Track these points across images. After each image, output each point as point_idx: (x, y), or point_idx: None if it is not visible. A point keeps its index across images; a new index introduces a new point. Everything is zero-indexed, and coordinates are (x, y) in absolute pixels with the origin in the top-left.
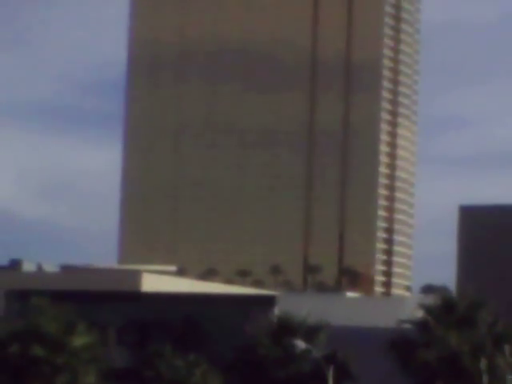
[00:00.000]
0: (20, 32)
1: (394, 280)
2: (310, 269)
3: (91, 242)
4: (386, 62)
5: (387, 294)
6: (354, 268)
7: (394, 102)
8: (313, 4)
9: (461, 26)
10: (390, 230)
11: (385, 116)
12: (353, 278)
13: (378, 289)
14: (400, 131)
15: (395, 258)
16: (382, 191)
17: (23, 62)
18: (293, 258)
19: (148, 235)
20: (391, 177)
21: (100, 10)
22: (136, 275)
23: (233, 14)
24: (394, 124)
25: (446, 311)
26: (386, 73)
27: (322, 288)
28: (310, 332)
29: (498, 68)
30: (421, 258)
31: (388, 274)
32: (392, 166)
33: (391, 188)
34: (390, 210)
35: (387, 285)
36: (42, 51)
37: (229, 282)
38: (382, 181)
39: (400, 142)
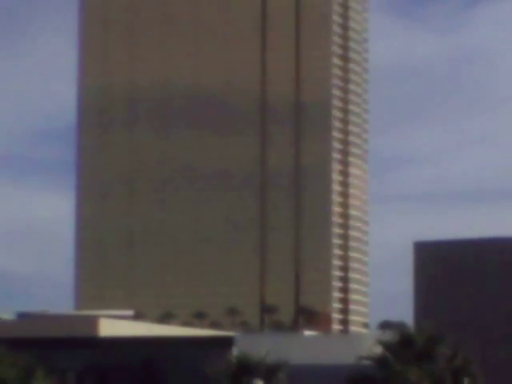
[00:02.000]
0: None
1: (352, 317)
2: (266, 309)
3: (47, 289)
4: (336, 102)
5: (345, 331)
6: (311, 307)
7: (345, 142)
8: (260, 48)
9: (408, 64)
10: (345, 268)
11: (336, 155)
12: (310, 316)
13: (336, 327)
14: (352, 170)
15: (352, 296)
16: (336, 230)
17: None
18: (249, 298)
19: (104, 280)
20: (345, 215)
21: (48, 58)
22: (93, 320)
23: (182, 60)
24: (345, 163)
25: (404, 346)
26: (336, 113)
27: (279, 328)
28: (269, 371)
29: (447, 106)
30: (377, 295)
31: (345, 311)
32: (345, 205)
33: (345, 227)
34: (345, 248)
35: (344, 322)
36: None
37: (186, 324)
38: (336, 220)
39: (352, 180)
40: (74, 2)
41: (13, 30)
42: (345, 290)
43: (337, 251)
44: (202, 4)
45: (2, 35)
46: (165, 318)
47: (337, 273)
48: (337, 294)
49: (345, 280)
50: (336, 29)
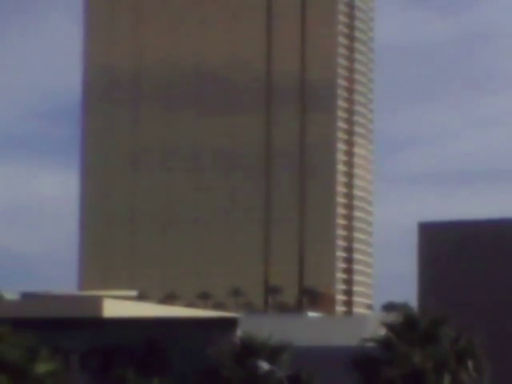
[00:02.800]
0: None
1: (355, 299)
2: (270, 290)
3: (51, 269)
4: (341, 82)
5: (349, 313)
6: (315, 288)
7: (350, 121)
8: (266, 26)
9: (414, 44)
10: (349, 249)
11: (341, 135)
12: (314, 297)
13: (340, 308)
14: (357, 150)
15: (355, 277)
16: (341, 210)
17: None
18: (253, 279)
19: (107, 261)
20: (349, 196)
21: (53, 37)
22: (97, 301)
23: (187, 39)
24: (350, 143)
25: (408, 328)
26: (341, 92)
27: (283, 309)
28: (273, 353)
29: (453, 86)
30: (381, 276)
31: (349, 292)
32: (350, 185)
33: (349, 207)
34: (349, 228)
35: (348, 304)
36: None
37: (190, 305)
38: (340, 200)
39: (357, 160)
40: None
41: (17, 8)
42: (349, 271)
43: (341, 232)
44: None
45: (6, 14)
46: (168, 298)
47: (341, 254)
48: (341, 275)
49: (349, 261)
50: (342, 8)
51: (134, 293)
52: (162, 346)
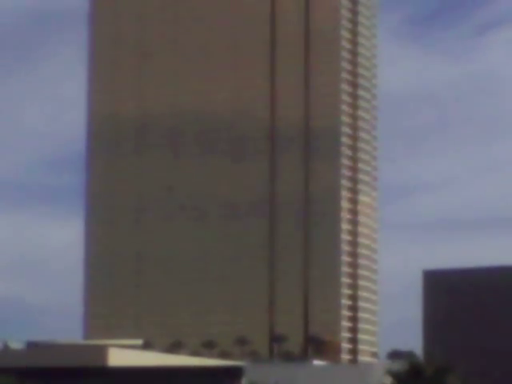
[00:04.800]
0: None
1: (361, 347)
2: (275, 338)
3: (56, 318)
4: (345, 129)
5: (354, 361)
6: (320, 336)
7: (354, 169)
8: (269, 74)
9: (417, 90)
10: (354, 297)
11: (345, 183)
12: (319, 346)
13: (345, 356)
14: (361, 198)
15: (361, 325)
16: (346, 258)
17: None
18: (258, 328)
19: (112, 309)
20: (354, 244)
21: (57, 85)
22: (102, 350)
23: (191, 87)
24: (354, 191)
25: (413, 376)
26: (345, 140)
27: (288, 357)
28: None
29: (457, 133)
30: (387, 324)
31: (354, 341)
32: (354, 233)
33: (354, 255)
34: (354, 276)
35: (354, 352)
36: (1, 128)
37: (195, 354)
38: (345, 248)
39: (361, 208)
40: (84, 29)
41: (23, 57)
42: (354, 319)
43: (346, 280)
44: (211, 31)
45: (12, 62)
46: (174, 347)
47: (346, 302)
48: (346, 323)
49: (354, 309)
50: (345, 55)
51: (139, 342)
52: None
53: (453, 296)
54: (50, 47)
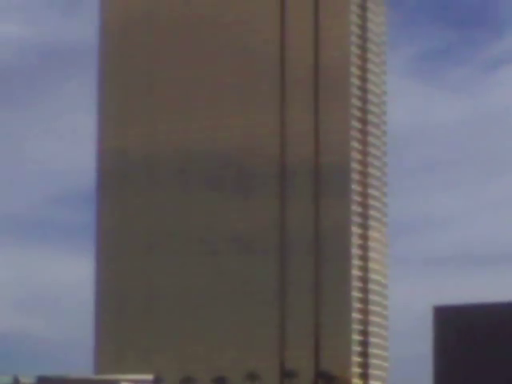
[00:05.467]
0: None
1: (371, 382)
2: (286, 374)
3: (67, 353)
4: (355, 165)
5: None
6: (331, 371)
7: (364, 205)
8: (279, 111)
9: (427, 126)
10: (365, 333)
11: (355, 219)
12: (330, 381)
13: None
14: (371, 233)
15: (371, 360)
16: (356, 294)
17: None
18: (269, 363)
19: (123, 344)
20: (364, 279)
21: (68, 121)
22: None
23: (202, 123)
24: (364, 226)
25: None
26: (355, 176)
27: None
28: None
29: (467, 169)
30: (397, 360)
31: (365, 376)
32: (365, 269)
33: (365, 290)
34: (365, 312)
35: None
36: (11, 165)
37: None
38: (356, 284)
39: (372, 244)
40: (94, 65)
41: (33, 93)
42: (364, 354)
43: (356, 315)
44: (221, 68)
45: (22, 98)
46: (184, 382)
47: (356, 337)
48: (356, 359)
49: (364, 344)
50: (354, 91)
51: (149, 376)
52: None
53: (463, 332)
54: (59, 83)
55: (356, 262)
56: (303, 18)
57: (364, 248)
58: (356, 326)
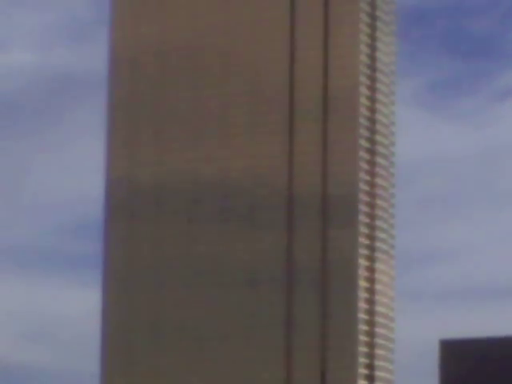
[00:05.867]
0: None
1: None
2: None
3: None
4: (362, 197)
5: None
6: None
7: (372, 237)
8: (288, 142)
9: (436, 158)
10: (371, 366)
11: (362, 251)
12: None
13: None
14: (378, 266)
15: None
16: (363, 327)
17: (0, 206)
18: None
19: (129, 377)
20: (371, 312)
21: (76, 150)
22: None
23: (209, 154)
24: (371, 259)
25: None
26: (363, 207)
27: None
28: None
29: (475, 202)
30: None
31: None
32: (371, 302)
33: (371, 323)
34: (371, 345)
35: None
36: (18, 194)
37: None
38: (362, 316)
39: (379, 276)
40: (103, 95)
41: (40, 122)
42: None
43: (363, 349)
44: (229, 98)
45: (29, 128)
46: None
47: (362, 371)
48: None
49: (370, 378)
50: (363, 122)
51: None
52: None
53: (470, 366)
54: (68, 112)
55: (363, 294)
56: (313, 47)
57: (371, 280)
58: (362, 360)
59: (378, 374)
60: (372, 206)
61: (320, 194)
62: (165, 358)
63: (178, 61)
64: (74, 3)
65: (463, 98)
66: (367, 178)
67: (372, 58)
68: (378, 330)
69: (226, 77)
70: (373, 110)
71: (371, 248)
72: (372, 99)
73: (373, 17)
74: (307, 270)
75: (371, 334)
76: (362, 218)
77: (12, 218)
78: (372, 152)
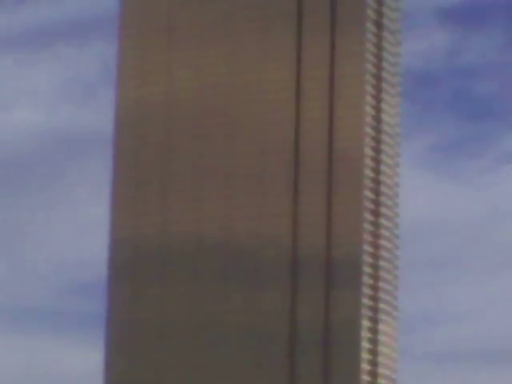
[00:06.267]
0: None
1: None
2: None
3: None
4: (366, 258)
5: None
6: None
7: (375, 298)
8: (292, 202)
9: (440, 220)
10: None
11: (366, 312)
12: None
13: None
14: (381, 327)
15: None
16: None
17: (3, 266)
18: None
19: None
20: (374, 374)
21: (80, 211)
22: None
23: (213, 214)
24: (375, 320)
25: None
26: (366, 269)
27: None
28: None
29: (478, 264)
30: None
31: None
32: (374, 363)
33: None
34: None
35: None
36: (21, 254)
37: None
38: (365, 378)
39: (382, 338)
40: (108, 155)
41: (44, 182)
42: None
43: None
44: (233, 158)
45: (32, 186)
46: None
47: None
48: None
49: None
50: (368, 183)
51: None
52: None
53: None
54: (72, 171)
55: (366, 355)
56: (318, 108)
57: (374, 342)
58: None
59: None
60: (376, 267)
61: (324, 254)
62: None
63: (183, 121)
64: (80, 63)
65: (468, 160)
66: (371, 239)
67: (377, 119)
68: None
69: (231, 137)
70: (377, 172)
71: (374, 309)
72: (377, 160)
73: (378, 78)
74: (310, 330)
75: None
76: (366, 280)
77: (15, 278)
78: (376, 213)
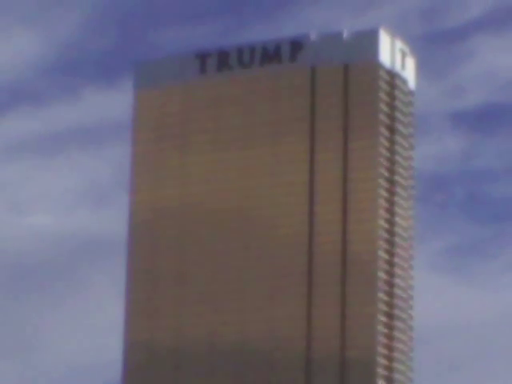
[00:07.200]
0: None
1: None
2: None
3: None
4: (380, 360)
5: None
6: None
7: None
8: (306, 304)
9: (454, 323)
10: None
11: None
12: None
13: None
14: None
15: None
16: None
17: (15, 369)
18: None
19: None
20: None
21: (94, 315)
22: None
23: (227, 317)
24: None
25: None
26: (381, 371)
27: None
28: None
29: (493, 368)
30: None
31: None
32: None
33: None
34: None
35: None
36: (33, 358)
37: None
38: None
39: None
40: (122, 259)
41: (60, 285)
42: None
43: None
44: (247, 261)
45: (47, 290)
46: None
47: None
48: None
49: None
50: (381, 285)
51: None
52: None
53: None
54: (87, 275)
55: None
56: (331, 213)
57: None
58: None
59: None
60: (390, 369)
61: (338, 357)
62: None
63: (196, 225)
64: (94, 167)
65: (482, 263)
66: (385, 341)
67: (390, 222)
68: None
69: (244, 241)
70: (391, 274)
71: None
72: (390, 263)
73: (391, 181)
74: None
75: None
76: (381, 382)
77: (27, 382)
78: (390, 315)
